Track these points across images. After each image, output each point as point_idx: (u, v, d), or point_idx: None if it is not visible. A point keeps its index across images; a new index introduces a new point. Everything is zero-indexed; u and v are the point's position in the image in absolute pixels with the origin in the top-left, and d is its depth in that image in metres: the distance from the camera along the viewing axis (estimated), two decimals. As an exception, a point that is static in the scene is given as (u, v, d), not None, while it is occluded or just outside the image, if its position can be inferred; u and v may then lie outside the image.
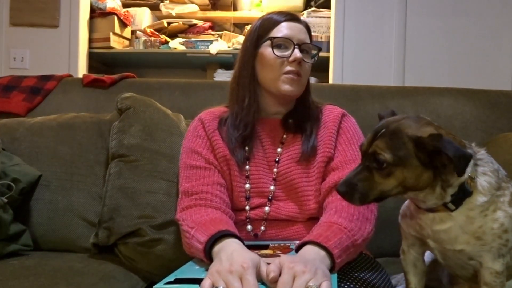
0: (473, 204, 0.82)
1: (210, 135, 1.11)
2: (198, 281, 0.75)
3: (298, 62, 1.08)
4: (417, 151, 0.76)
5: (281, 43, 1.09)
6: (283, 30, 1.10)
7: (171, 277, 0.79)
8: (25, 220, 1.31)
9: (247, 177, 1.09)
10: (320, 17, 2.67)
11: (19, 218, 1.28)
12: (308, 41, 1.12)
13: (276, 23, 1.11)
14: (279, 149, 1.12)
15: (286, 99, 1.13)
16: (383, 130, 0.80)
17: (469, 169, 0.80)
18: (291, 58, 1.07)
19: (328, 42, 2.59)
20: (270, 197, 1.09)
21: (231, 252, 0.81)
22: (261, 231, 1.08)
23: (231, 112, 1.14)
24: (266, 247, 0.98)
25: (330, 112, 1.16)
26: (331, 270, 0.84)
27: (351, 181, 0.81)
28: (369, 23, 2.50)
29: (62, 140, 1.41)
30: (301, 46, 1.09)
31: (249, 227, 1.08)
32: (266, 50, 1.10)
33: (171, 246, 1.16)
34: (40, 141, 1.41)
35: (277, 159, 1.11)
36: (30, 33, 2.58)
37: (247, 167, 1.09)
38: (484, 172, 0.83)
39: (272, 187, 1.09)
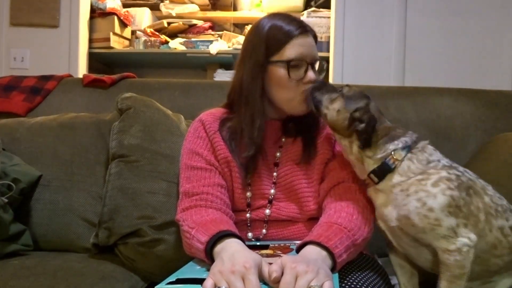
0: (391, 182, 0.92)
1: (211, 136, 1.11)
2: (200, 281, 0.75)
3: (311, 82, 1.05)
4: (362, 108, 0.96)
5: (295, 64, 1.04)
6: (296, 48, 1.03)
7: (172, 278, 0.79)
8: (25, 220, 1.31)
9: (248, 184, 1.09)
10: (320, 17, 2.67)
11: (19, 218, 1.28)
12: (318, 56, 1.09)
13: (288, 37, 1.03)
14: (278, 153, 1.12)
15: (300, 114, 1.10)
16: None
17: (389, 150, 0.93)
18: (305, 80, 1.04)
19: (328, 42, 2.60)
20: (270, 199, 1.09)
21: (233, 252, 0.81)
22: (262, 234, 1.08)
23: (234, 126, 1.10)
24: (266, 247, 0.98)
25: None
26: (332, 270, 0.84)
27: (324, 83, 1.05)
28: (369, 23, 2.50)
29: (62, 140, 1.41)
30: (314, 64, 1.07)
31: (249, 234, 1.08)
32: (280, 71, 1.04)
33: (171, 246, 1.16)
34: (40, 141, 1.41)
35: (276, 162, 1.11)
36: (30, 33, 2.58)
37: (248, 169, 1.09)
38: (410, 158, 0.93)
39: (272, 190, 1.09)
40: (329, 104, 1.00)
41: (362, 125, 0.94)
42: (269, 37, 1.04)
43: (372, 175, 0.95)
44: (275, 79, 1.05)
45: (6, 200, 1.21)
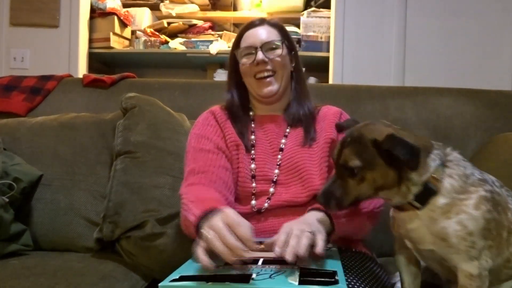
0: (434, 205, 0.84)
1: (221, 124, 1.18)
2: (203, 278, 0.74)
3: (263, 62, 1.16)
4: (378, 151, 0.80)
5: (246, 53, 1.18)
6: (244, 41, 1.20)
7: (175, 275, 0.79)
8: (26, 219, 1.31)
9: (253, 159, 1.14)
10: (320, 17, 2.67)
11: (20, 218, 1.28)
12: (273, 38, 1.19)
13: (240, 37, 1.21)
14: (283, 140, 1.18)
15: (270, 99, 1.21)
16: (348, 139, 0.85)
17: (431, 168, 0.83)
18: (254, 62, 1.16)
19: (328, 42, 2.60)
20: (274, 179, 1.12)
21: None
22: (264, 208, 1.10)
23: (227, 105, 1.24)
24: (260, 244, 0.98)
25: (329, 109, 1.24)
26: (332, 232, 0.95)
27: (328, 190, 0.86)
28: (369, 23, 2.50)
29: (63, 140, 1.41)
30: (263, 47, 1.16)
31: (253, 202, 1.11)
32: (239, 59, 1.20)
33: (173, 240, 1.17)
34: (41, 141, 1.41)
35: (281, 147, 1.16)
36: (30, 33, 2.58)
37: (252, 151, 1.16)
38: (450, 174, 0.84)
39: (276, 171, 1.13)
40: (357, 186, 0.84)
41: (402, 155, 0.77)
42: (233, 41, 1.25)
43: (415, 202, 0.84)
44: (241, 70, 1.20)
45: (7, 200, 1.21)
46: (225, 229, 0.78)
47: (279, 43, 1.18)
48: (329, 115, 1.21)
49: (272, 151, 1.17)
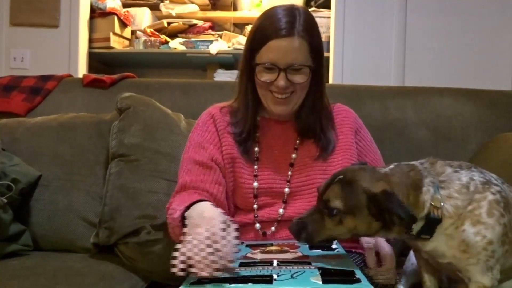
0: (444, 227, 0.82)
1: (220, 131, 1.12)
2: (224, 279, 0.73)
3: (284, 88, 1.04)
4: (369, 204, 0.78)
5: (267, 66, 1.04)
6: (269, 53, 1.02)
7: (193, 278, 0.77)
8: (25, 220, 1.31)
9: (255, 176, 1.09)
10: (320, 17, 2.67)
11: (19, 218, 1.28)
12: (301, 58, 1.03)
13: (265, 40, 1.03)
14: (293, 155, 1.12)
15: (280, 115, 1.13)
16: (340, 177, 0.82)
17: (427, 202, 0.81)
18: (274, 84, 1.04)
19: (328, 42, 2.59)
20: (284, 199, 1.08)
21: (202, 210, 0.85)
22: (271, 231, 1.07)
23: (235, 110, 1.16)
24: (271, 245, 0.98)
25: (347, 113, 1.20)
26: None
27: (302, 221, 0.82)
28: (369, 23, 2.50)
29: (62, 140, 1.41)
30: (288, 68, 1.02)
31: (257, 225, 1.07)
32: (257, 70, 1.06)
33: (172, 245, 1.15)
34: (40, 141, 1.41)
35: (291, 162, 1.11)
36: (30, 33, 2.59)
37: (255, 166, 1.10)
38: (449, 195, 0.82)
39: (286, 189, 1.09)
40: (333, 227, 0.81)
41: (395, 218, 0.77)
42: (252, 38, 1.07)
43: (423, 236, 0.83)
44: (256, 78, 1.07)
45: (6, 201, 1.21)
46: (208, 241, 0.73)
47: (306, 66, 1.03)
48: (346, 122, 1.16)
49: (279, 162, 1.11)
